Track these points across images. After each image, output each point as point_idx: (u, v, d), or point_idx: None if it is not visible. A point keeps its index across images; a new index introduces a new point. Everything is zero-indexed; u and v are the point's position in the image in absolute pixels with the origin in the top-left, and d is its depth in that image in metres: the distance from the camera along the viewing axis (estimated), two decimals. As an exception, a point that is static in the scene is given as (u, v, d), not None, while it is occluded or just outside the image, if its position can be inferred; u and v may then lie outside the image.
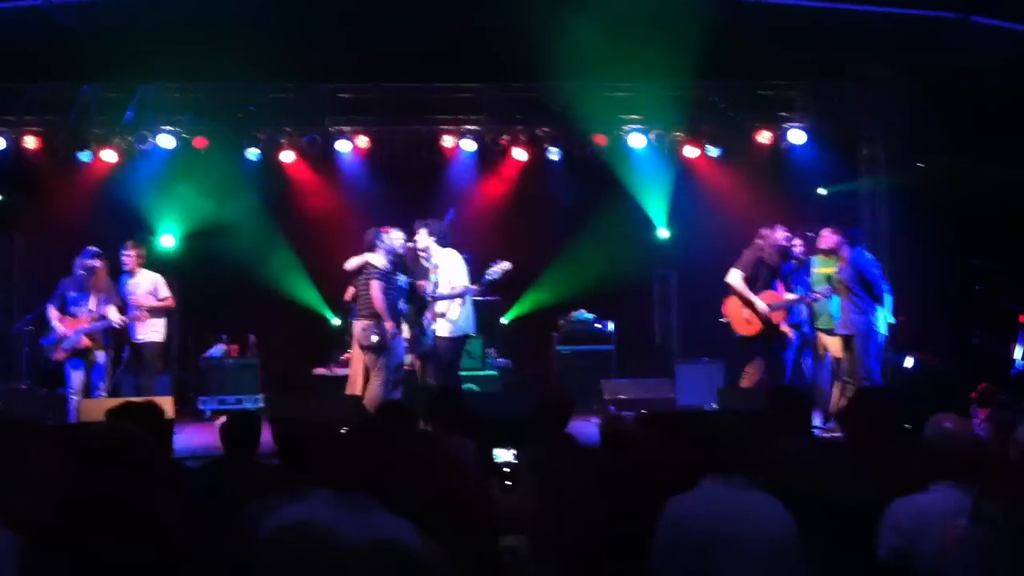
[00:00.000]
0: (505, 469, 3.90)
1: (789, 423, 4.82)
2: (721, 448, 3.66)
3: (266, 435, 4.51)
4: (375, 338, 8.25)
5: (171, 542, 3.16)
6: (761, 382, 9.02)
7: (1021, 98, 10.10)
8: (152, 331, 9.39)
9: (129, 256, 9.53)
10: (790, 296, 9.22)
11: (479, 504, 3.47)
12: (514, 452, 4.00)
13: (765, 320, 9.12)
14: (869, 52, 10.83)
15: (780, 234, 9.29)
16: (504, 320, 11.87)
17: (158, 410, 4.25)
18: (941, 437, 3.65)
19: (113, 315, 9.04)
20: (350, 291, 8.77)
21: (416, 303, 8.85)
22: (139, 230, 11.12)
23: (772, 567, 3.43)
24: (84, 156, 11.57)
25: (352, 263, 8.70)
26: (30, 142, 11.44)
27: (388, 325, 8.27)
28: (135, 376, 9.50)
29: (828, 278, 9.23)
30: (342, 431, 3.75)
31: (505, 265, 8.83)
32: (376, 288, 8.28)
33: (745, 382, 9.24)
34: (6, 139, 11.35)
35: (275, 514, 3.21)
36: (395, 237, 8.79)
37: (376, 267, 8.41)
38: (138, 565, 2.91)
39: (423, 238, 8.83)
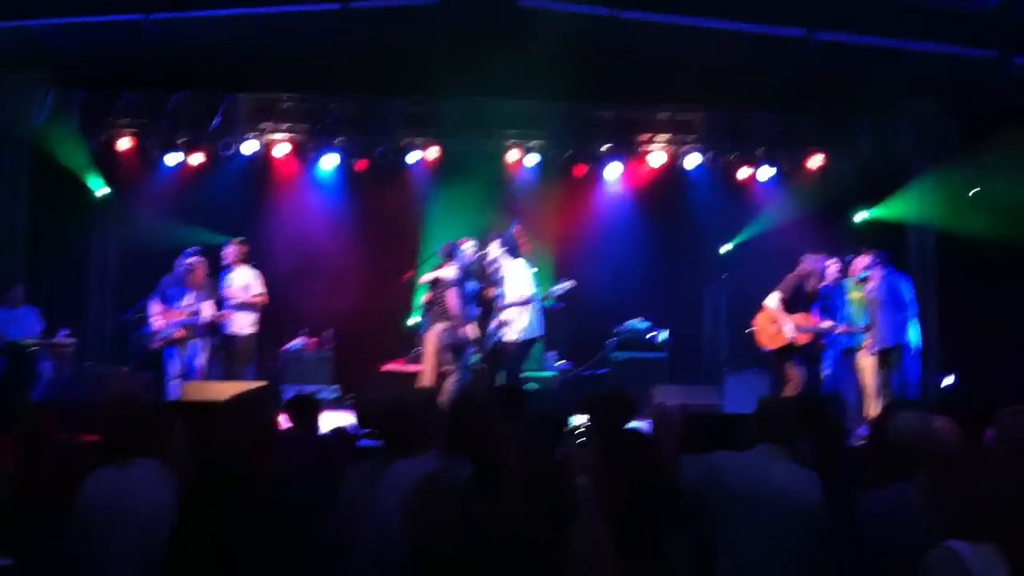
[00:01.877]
0: (579, 430, 4.77)
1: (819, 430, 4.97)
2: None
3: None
4: (454, 339, 9.07)
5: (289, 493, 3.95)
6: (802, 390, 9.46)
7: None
8: (243, 324, 10.18)
9: (230, 252, 10.33)
10: (825, 324, 9.56)
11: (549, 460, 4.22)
12: (587, 417, 4.86)
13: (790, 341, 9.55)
14: (919, 87, 11.23)
15: (821, 263, 9.69)
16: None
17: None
18: (897, 432, 3.95)
19: (205, 311, 9.86)
20: (427, 296, 9.53)
21: (484, 308, 9.57)
22: (223, 230, 11.86)
23: (796, 526, 4.05)
24: (173, 159, 12.38)
25: (427, 277, 9.54)
26: (124, 143, 12.28)
27: (464, 329, 9.07)
28: (226, 365, 10.26)
29: (860, 301, 9.67)
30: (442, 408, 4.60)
31: (569, 283, 9.66)
32: (452, 295, 9.06)
33: (789, 391, 9.72)
34: (95, 141, 12.18)
35: (393, 470, 4.04)
36: (466, 247, 9.55)
37: (449, 279, 9.17)
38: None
39: (494, 249, 9.52)
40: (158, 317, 9.84)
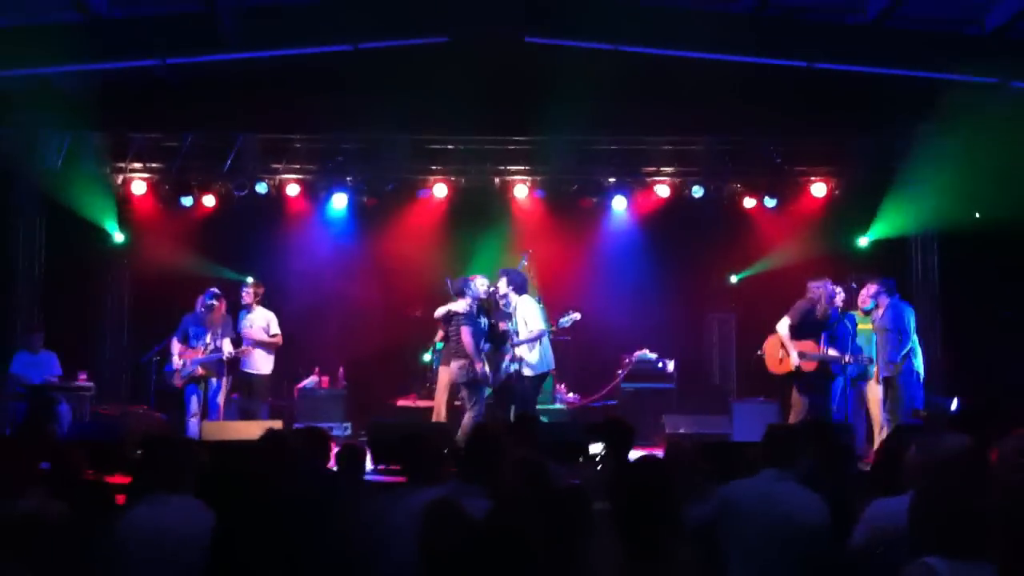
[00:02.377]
0: (597, 456, 4.96)
1: (830, 458, 5.17)
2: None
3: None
4: (470, 376, 9.23)
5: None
6: (806, 417, 9.55)
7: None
8: (261, 364, 10.42)
9: (248, 293, 10.55)
10: (832, 353, 9.67)
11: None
12: (603, 445, 5.07)
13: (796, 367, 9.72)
14: (920, 110, 11.36)
15: (828, 287, 9.79)
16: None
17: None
18: (900, 451, 4.22)
19: (226, 348, 10.11)
20: (440, 334, 9.71)
21: (495, 343, 9.73)
22: (235, 270, 12.04)
23: (801, 545, 4.22)
24: (186, 200, 12.51)
25: (440, 312, 9.70)
26: (138, 186, 12.44)
27: (478, 365, 9.23)
28: (242, 403, 10.46)
29: (868, 331, 9.84)
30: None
31: (575, 316, 9.91)
32: (466, 333, 9.25)
33: (792, 416, 9.80)
34: (109, 183, 12.35)
35: (412, 499, 4.21)
36: (479, 284, 9.71)
37: (462, 314, 9.34)
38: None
39: (503, 286, 9.73)
40: (180, 355, 10.09)
